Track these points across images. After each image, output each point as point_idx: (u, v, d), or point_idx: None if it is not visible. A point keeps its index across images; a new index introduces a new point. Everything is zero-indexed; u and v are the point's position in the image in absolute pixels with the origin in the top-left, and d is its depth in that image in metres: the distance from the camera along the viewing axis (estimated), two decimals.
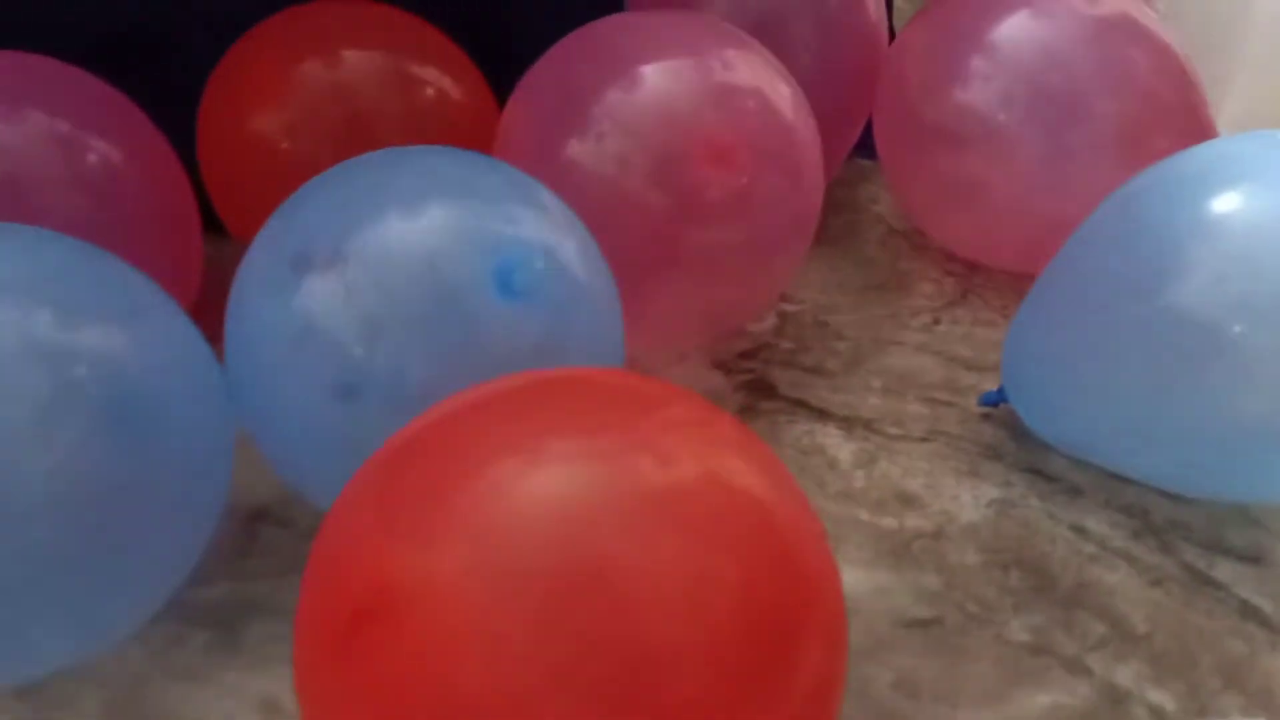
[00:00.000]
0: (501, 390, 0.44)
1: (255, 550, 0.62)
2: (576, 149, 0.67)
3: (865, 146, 0.92)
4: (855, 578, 0.62)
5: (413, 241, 0.54)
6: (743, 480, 0.42)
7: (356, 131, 0.72)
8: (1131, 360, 0.61)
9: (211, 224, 0.76)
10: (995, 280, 0.87)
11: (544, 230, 0.56)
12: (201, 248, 0.74)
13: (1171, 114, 0.77)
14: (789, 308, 0.84)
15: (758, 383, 0.76)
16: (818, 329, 0.82)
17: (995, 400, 0.72)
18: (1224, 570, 0.63)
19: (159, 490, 0.52)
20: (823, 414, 0.74)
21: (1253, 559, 0.64)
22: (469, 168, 0.58)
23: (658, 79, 0.68)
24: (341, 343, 0.53)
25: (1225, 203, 0.60)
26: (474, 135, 0.73)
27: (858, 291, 0.87)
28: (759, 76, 0.69)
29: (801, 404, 0.74)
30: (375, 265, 0.53)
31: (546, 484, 0.40)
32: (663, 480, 0.40)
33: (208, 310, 0.59)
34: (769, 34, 0.82)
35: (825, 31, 0.85)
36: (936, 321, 0.83)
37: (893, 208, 0.97)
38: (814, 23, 0.85)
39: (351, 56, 0.74)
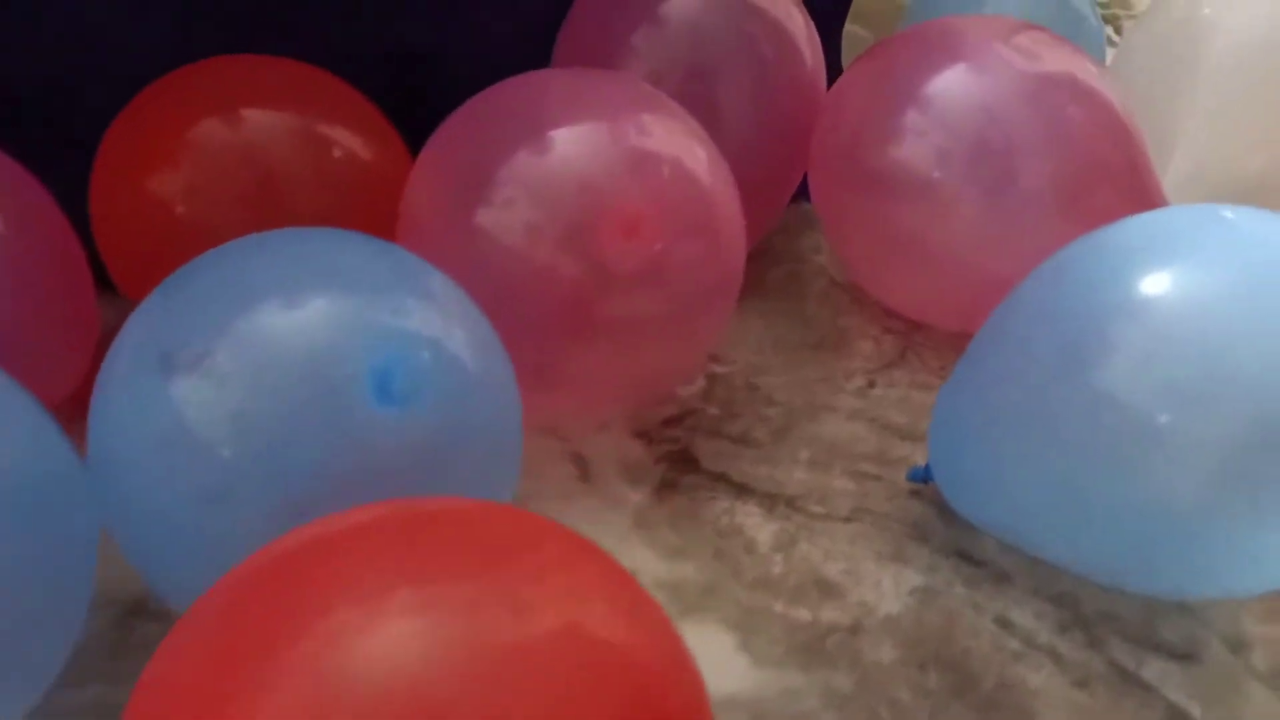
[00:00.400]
0: (355, 524, 0.41)
1: (130, 647, 0.59)
2: (484, 216, 0.64)
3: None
4: (764, 678, 0.59)
5: (287, 336, 0.51)
6: (608, 630, 0.39)
7: (263, 194, 0.69)
8: (1056, 441, 0.58)
9: (110, 283, 0.73)
10: (935, 338, 0.84)
11: (431, 322, 0.53)
12: (96, 313, 0.70)
13: (1113, 173, 0.75)
14: (719, 369, 0.81)
15: (680, 454, 0.73)
16: (748, 393, 0.79)
17: (923, 477, 0.70)
18: (1153, 669, 0.60)
19: (14, 593, 0.49)
20: (744, 490, 0.71)
21: (1184, 656, 0.61)
22: (353, 254, 0.54)
23: (569, 144, 0.65)
24: (209, 444, 0.50)
25: (1156, 280, 0.57)
26: (389, 198, 0.70)
27: (793, 350, 0.84)
28: (675, 141, 0.66)
29: (723, 478, 0.71)
30: (247, 362, 0.50)
31: (389, 639, 0.36)
32: (518, 635, 0.37)
33: None
34: (702, 86, 0.80)
35: (760, 82, 0.82)
36: (871, 385, 0.80)
37: (835, 258, 0.94)
38: (749, 73, 0.82)
39: (258, 115, 0.70)
